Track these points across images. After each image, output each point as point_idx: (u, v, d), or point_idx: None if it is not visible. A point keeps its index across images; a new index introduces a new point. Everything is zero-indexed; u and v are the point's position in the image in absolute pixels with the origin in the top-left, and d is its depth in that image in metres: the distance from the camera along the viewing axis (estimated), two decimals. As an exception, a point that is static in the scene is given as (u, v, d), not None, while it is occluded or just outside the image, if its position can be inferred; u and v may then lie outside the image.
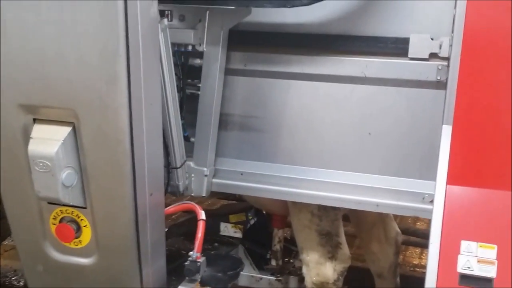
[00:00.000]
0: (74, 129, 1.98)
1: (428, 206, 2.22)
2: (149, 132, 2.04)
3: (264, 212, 3.27)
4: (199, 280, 2.27)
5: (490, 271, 1.92)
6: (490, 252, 1.95)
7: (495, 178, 2.03)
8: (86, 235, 2.15)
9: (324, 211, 2.62)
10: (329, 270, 2.70)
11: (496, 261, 1.93)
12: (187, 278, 2.27)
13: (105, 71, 1.87)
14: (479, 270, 1.93)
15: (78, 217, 2.12)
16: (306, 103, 2.48)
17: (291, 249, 3.20)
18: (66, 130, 1.97)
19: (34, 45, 1.91)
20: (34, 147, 1.98)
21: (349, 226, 3.37)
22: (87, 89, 1.90)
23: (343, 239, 2.74)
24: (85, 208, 2.10)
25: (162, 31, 2.19)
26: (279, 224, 3.13)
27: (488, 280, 1.91)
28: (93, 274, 2.20)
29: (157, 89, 2.09)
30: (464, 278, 1.94)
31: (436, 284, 1.96)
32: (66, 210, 2.12)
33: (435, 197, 2.06)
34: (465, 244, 1.98)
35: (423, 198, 2.32)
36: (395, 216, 3.40)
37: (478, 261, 1.94)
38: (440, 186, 2.06)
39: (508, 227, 1.96)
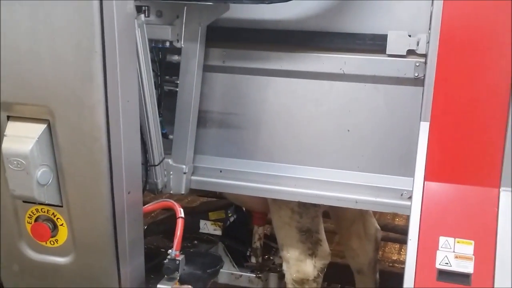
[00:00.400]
0: (49, 127, 1.95)
1: (407, 203, 2.23)
2: (126, 129, 2.02)
3: (244, 209, 3.26)
4: (178, 278, 2.25)
5: (467, 267, 1.94)
6: (468, 247, 1.96)
7: (472, 174, 2.05)
8: (63, 234, 2.12)
9: (304, 208, 2.62)
10: (309, 267, 2.70)
11: (473, 257, 1.94)
12: (166, 276, 2.24)
13: (80, 68, 1.85)
14: (456, 266, 1.95)
15: (54, 216, 2.10)
16: (284, 100, 2.47)
17: (271, 246, 3.20)
18: (41, 127, 1.95)
19: (8, 41, 1.88)
20: (8, 145, 1.95)
21: (329, 222, 3.38)
22: (62, 86, 1.88)
23: (323, 235, 2.74)
24: (61, 206, 2.07)
25: (139, 27, 2.16)
26: (259, 222, 3.12)
27: (466, 276, 1.93)
28: (70, 273, 2.18)
29: (134, 86, 2.07)
30: (442, 274, 1.95)
31: (415, 280, 1.97)
32: (42, 208, 2.10)
33: (413, 193, 2.07)
34: (443, 240, 1.99)
35: (402, 195, 2.33)
36: (374, 213, 3.42)
37: (456, 257, 1.96)
38: (418, 182, 2.07)
39: (485, 223, 1.98)
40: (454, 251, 1.97)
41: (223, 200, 3.25)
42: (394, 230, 4.22)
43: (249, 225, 3.21)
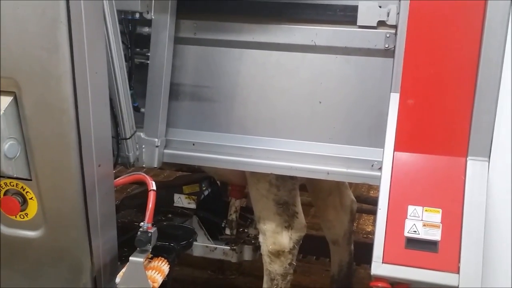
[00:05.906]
0: (15, 99, 1.92)
1: (377, 173, 2.24)
2: (95, 101, 2.01)
3: (219, 183, 3.27)
4: (151, 250, 2.25)
5: (435, 234, 1.98)
6: (435, 216, 2.00)
7: (441, 144, 2.08)
8: (32, 207, 2.11)
9: (282, 181, 2.63)
10: (285, 239, 2.72)
11: (441, 225, 1.98)
12: (138, 248, 2.24)
13: (45, 38, 1.83)
14: (424, 234, 1.99)
15: (24, 190, 2.08)
16: (257, 72, 2.46)
17: (246, 217, 3.21)
18: (7, 100, 1.92)
19: (-30, 12, 1.84)
20: (-26, 118, 1.92)
21: (305, 195, 3.40)
22: (27, 57, 1.85)
23: (299, 208, 2.76)
24: (30, 180, 2.05)
25: (106, -3, 2.13)
26: (237, 194, 3.12)
27: (433, 243, 1.97)
28: (41, 247, 2.17)
29: (102, 57, 2.04)
30: (410, 242, 1.99)
31: (384, 248, 2.00)
32: (11, 182, 2.08)
33: (383, 163, 2.09)
34: (411, 209, 2.02)
35: (372, 165, 2.34)
36: (350, 185, 3.45)
37: (424, 225, 2.00)
38: (388, 152, 2.10)
39: (452, 192, 2.02)
40: (422, 219, 2.00)
41: (197, 174, 3.25)
42: (367, 202, 4.27)
43: (223, 198, 3.22)
